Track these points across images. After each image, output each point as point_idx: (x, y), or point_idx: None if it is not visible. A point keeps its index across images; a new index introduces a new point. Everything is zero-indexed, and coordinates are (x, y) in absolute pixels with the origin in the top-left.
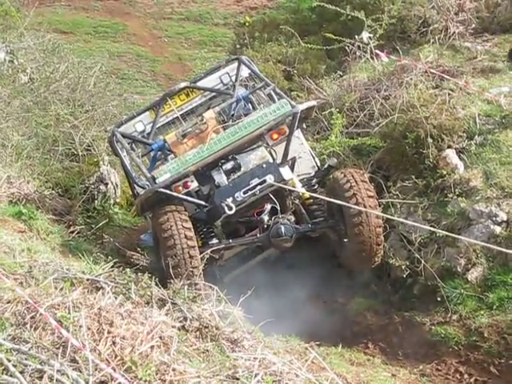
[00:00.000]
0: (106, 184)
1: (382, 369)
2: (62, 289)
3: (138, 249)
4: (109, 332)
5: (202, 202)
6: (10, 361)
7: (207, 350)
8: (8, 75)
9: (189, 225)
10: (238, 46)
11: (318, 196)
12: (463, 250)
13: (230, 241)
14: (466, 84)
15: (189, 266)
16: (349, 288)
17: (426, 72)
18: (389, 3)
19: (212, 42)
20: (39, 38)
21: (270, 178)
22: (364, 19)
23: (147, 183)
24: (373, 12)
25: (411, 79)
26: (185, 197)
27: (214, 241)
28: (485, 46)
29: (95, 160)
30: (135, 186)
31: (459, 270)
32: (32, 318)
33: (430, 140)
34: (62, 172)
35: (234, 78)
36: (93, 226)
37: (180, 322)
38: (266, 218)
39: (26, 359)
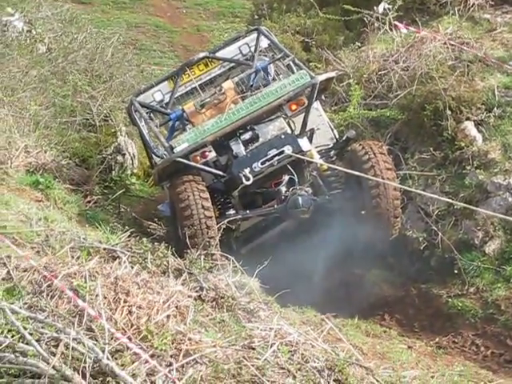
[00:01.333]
0: (124, 154)
1: (398, 341)
2: (78, 258)
3: (155, 219)
4: (125, 301)
5: (220, 172)
6: (26, 329)
7: (223, 320)
8: (26, 45)
9: (206, 195)
10: (256, 17)
11: (336, 167)
12: (481, 222)
13: (248, 211)
14: (485, 56)
15: (206, 236)
16: (366, 259)
17: (445, 43)
18: None
19: (230, 13)
20: (57, 8)
21: (288, 149)
22: None
23: (165, 153)
24: None
25: (430, 51)
26: (202, 166)
27: (232, 211)
28: (504, 18)
29: (112, 130)
30: (153, 155)
31: (476, 242)
32: (48, 286)
33: (448, 112)
34: (79, 142)
35: (253, 49)
36: (110, 196)
37: (196, 291)
38: (283, 189)
39: (42, 327)
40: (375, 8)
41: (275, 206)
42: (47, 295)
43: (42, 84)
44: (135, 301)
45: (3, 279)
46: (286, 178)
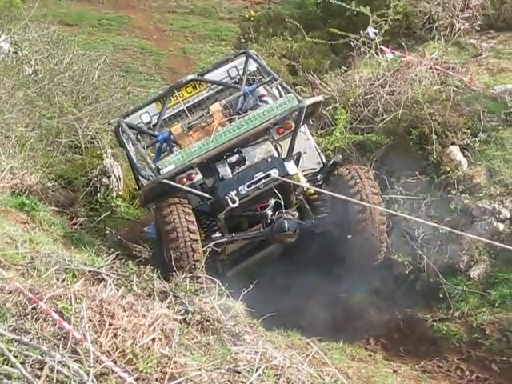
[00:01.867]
0: (109, 177)
1: (383, 365)
2: (63, 280)
3: (141, 241)
4: (110, 324)
5: (206, 195)
6: (10, 351)
7: (208, 344)
8: (12, 66)
9: (192, 218)
10: (242, 41)
11: (323, 191)
12: (466, 246)
13: (233, 234)
14: (470, 81)
15: (191, 259)
16: (351, 283)
17: (430, 68)
18: None
19: (217, 36)
20: (44, 29)
21: (274, 172)
22: (369, 15)
23: (152, 174)
24: (378, 7)
25: (416, 75)
26: (189, 189)
27: (217, 234)
28: (490, 44)
29: (98, 152)
30: (140, 177)
31: (462, 266)
32: (33, 308)
33: (434, 136)
34: (65, 164)
35: (241, 72)
36: (95, 218)
37: (182, 314)
38: (269, 212)
39: (26, 350)
40: (361, 32)
41: (261, 229)
42: (32, 317)
43: (27, 105)
44: (120, 324)
45: None
46: (272, 201)
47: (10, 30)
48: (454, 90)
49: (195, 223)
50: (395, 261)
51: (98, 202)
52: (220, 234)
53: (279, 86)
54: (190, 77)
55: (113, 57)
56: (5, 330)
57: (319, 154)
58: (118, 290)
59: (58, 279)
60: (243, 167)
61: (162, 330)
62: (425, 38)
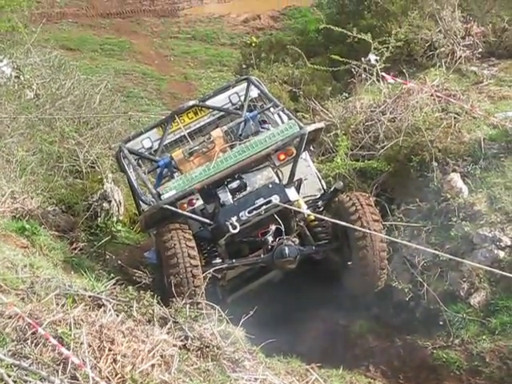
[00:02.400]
0: (110, 201)
1: None
2: (63, 305)
3: (141, 266)
4: (110, 349)
5: (207, 220)
6: (10, 376)
7: (208, 370)
8: (14, 91)
9: (192, 244)
10: (244, 66)
11: (323, 217)
12: (466, 274)
13: (234, 260)
14: (471, 108)
15: (191, 285)
16: (351, 310)
17: (431, 95)
18: (396, 26)
19: (218, 62)
20: (46, 54)
21: (275, 199)
22: (370, 42)
23: (152, 199)
24: (379, 35)
25: (417, 102)
26: (189, 214)
27: (218, 260)
28: (491, 71)
29: (99, 177)
30: (140, 202)
31: (462, 294)
32: (33, 333)
33: (434, 163)
34: (65, 188)
35: (242, 98)
36: (95, 242)
37: (181, 340)
38: (270, 238)
39: (26, 375)
40: (363, 59)
41: (262, 255)
42: (32, 342)
43: (29, 130)
44: (120, 349)
45: None
46: (272, 227)
47: (12, 55)
48: (454, 118)
49: (195, 249)
50: (395, 287)
51: (99, 227)
52: (220, 260)
53: (280, 113)
54: (191, 103)
55: (114, 82)
56: (4, 354)
57: (320, 180)
58: (117, 316)
59: (57, 304)
60: (244, 193)
61: (161, 356)
62: (426, 65)
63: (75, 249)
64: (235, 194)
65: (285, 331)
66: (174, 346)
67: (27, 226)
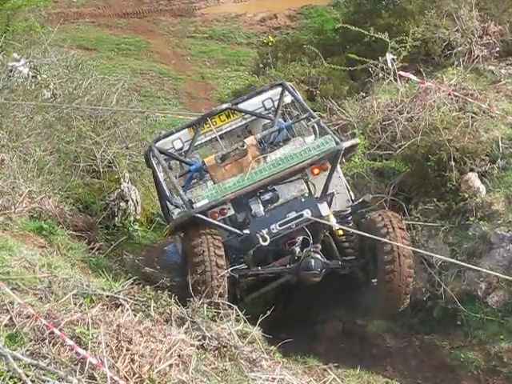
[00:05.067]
0: (127, 201)
1: None
2: (81, 305)
3: (158, 267)
4: (127, 349)
5: (237, 231)
6: (28, 376)
7: (225, 370)
8: (31, 90)
9: (221, 252)
10: (261, 66)
11: (354, 231)
12: (484, 274)
13: (259, 268)
14: (489, 107)
15: (215, 292)
16: (368, 310)
17: (449, 95)
18: (413, 25)
19: (235, 61)
20: (63, 54)
21: (307, 213)
22: (388, 41)
23: (183, 205)
24: (397, 34)
25: (434, 102)
26: (220, 224)
27: (243, 266)
28: (508, 70)
29: (116, 177)
30: (167, 202)
31: (479, 293)
32: (51, 333)
33: (452, 163)
34: (82, 188)
35: (276, 104)
36: (113, 242)
37: (199, 340)
38: (297, 249)
39: (44, 375)
40: (380, 58)
41: (287, 265)
42: (49, 342)
43: (46, 129)
44: (138, 349)
45: (6, 326)
46: (300, 238)
47: (29, 54)
48: (472, 117)
49: (224, 258)
50: (413, 287)
51: (116, 227)
52: (246, 267)
53: (316, 125)
54: (224, 106)
55: (131, 81)
56: (22, 354)
57: (349, 191)
58: (135, 316)
59: (75, 304)
60: (276, 204)
61: (179, 356)
62: (443, 64)
63: (93, 248)
64: (267, 205)
65: (302, 331)
66: (192, 345)
67: (45, 226)
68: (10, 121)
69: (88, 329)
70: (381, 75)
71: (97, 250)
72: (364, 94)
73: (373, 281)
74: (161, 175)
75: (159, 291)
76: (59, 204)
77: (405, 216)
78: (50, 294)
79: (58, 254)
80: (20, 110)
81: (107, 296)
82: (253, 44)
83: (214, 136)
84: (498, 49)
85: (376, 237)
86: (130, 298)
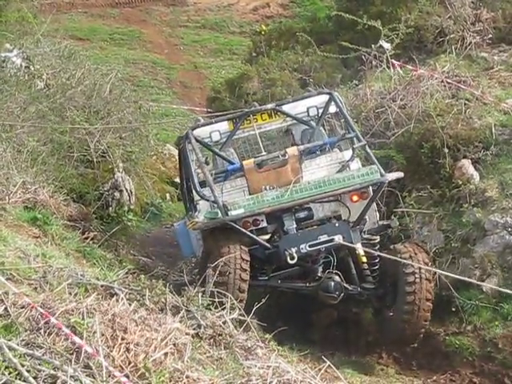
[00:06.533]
0: (121, 191)
1: (395, 379)
2: (76, 294)
3: (152, 256)
4: (122, 338)
5: (267, 245)
6: (23, 366)
7: (221, 358)
8: (24, 81)
9: (247, 266)
10: (254, 55)
11: (381, 254)
12: (478, 260)
13: (279, 281)
14: (482, 94)
15: (235, 298)
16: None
17: (442, 82)
18: (406, 13)
19: (228, 50)
20: (56, 44)
21: (338, 238)
22: (381, 28)
23: (213, 204)
24: (389, 21)
25: (427, 89)
26: (251, 235)
27: (264, 277)
28: (501, 57)
29: (110, 167)
30: (194, 191)
31: (474, 280)
32: (46, 323)
33: (445, 150)
34: (76, 178)
35: (321, 111)
36: (107, 232)
37: (194, 329)
38: (320, 269)
39: (39, 364)
40: (373, 46)
41: (307, 284)
42: (45, 332)
43: (39, 120)
44: (133, 338)
45: (1, 316)
46: (323, 256)
47: (21, 45)
48: (465, 104)
49: (248, 272)
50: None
51: (110, 217)
52: (266, 278)
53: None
54: (269, 106)
55: (124, 71)
56: (17, 344)
57: (375, 212)
58: (130, 305)
59: (70, 293)
60: (308, 222)
61: (174, 345)
62: (436, 51)
63: (87, 238)
64: (300, 223)
65: (297, 319)
66: (187, 334)
67: (39, 216)
68: (4, 112)
69: (83, 318)
70: (374, 63)
71: (91, 239)
72: (357, 82)
73: (390, 314)
74: (193, 165)
75: (154, 280)
76: (53, 194)
77: (399, 203)
78: (45, 284)
79: (53, 244)
80: (13, 100)
81: (102, 285)
82: (246, 33)
83: (252, 133)
84: (490, 35)
85: (399, 271)
86: (125, 288)
